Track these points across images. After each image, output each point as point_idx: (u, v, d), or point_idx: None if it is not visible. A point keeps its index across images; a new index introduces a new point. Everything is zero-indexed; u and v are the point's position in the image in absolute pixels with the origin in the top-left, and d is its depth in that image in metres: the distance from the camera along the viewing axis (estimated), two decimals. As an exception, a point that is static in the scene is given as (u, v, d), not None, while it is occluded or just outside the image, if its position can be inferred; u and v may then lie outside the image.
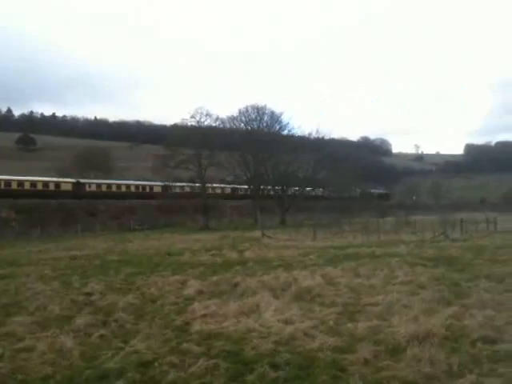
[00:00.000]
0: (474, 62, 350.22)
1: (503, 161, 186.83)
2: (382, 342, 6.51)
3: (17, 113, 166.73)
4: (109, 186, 64.36)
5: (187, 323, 8.04)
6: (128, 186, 66.80)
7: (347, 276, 12.52)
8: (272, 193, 62.29)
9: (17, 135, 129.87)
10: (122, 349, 6.60)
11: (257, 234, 33.87)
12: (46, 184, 57.82)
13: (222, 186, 70.23)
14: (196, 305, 9.12)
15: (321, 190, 69.89)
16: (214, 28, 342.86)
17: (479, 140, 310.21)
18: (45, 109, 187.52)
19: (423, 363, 5.55)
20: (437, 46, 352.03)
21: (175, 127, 69.59)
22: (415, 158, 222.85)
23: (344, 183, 68.14)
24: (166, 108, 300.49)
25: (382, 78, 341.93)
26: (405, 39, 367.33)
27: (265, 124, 62.92)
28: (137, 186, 67.83)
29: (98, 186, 63.02)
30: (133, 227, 52.33)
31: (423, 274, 12.27)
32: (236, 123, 63.23)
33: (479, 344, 6.26)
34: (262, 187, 62.32)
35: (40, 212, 47.50)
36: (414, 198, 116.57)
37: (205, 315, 8.36)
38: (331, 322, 7.70)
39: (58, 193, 56.14)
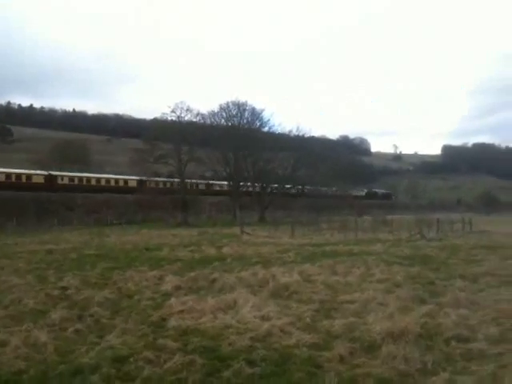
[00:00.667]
0: (451, 66, 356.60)
1: (479, 161, 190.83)
2: (358, 340, 6.55)
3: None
4: (80, 179, 63.48)
5: (164, 319, 7.97)
6: (100, 180, 65.90)
7: (324, 273, 12.56)
8: (251, 190, 62.31)
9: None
10: (98, 344, 6.51)
11: (236, 230, 33.79)
12: (18, 176, 56.95)
13: (202, 181, 69.86)
14: (173, 300, 9.05)
15: (300, 187, 70.34)
16: (214, 28, 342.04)
17: (457, 141, 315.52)
18: (23, 100, 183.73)
19: (398, 361, 5.59)
20: (423, 48, 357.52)
21: (155, 121, 69.00)
22: (393, 158, 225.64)
23: (323, 182, 68.53)
24: (148, 102, 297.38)
25: (376, 79, 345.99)
26: (399, 40, 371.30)
27: (245, 120, 62.83)
28: (109, 180, 66.94)
29: (71, 178, 62.09)
30: (110, 221, 51.75)
31: (399, 273, 12.37)
32: (217, 119, 63.12)
33: (453, 342, 6.33)
34: (241, 184, 62.27)
35: (14, 204, 46.61)
36: (394, 197, 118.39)
37: (182, 311, 8.31)
38: (308, 319, 7.71)
39: (30, 185, 55.32)
